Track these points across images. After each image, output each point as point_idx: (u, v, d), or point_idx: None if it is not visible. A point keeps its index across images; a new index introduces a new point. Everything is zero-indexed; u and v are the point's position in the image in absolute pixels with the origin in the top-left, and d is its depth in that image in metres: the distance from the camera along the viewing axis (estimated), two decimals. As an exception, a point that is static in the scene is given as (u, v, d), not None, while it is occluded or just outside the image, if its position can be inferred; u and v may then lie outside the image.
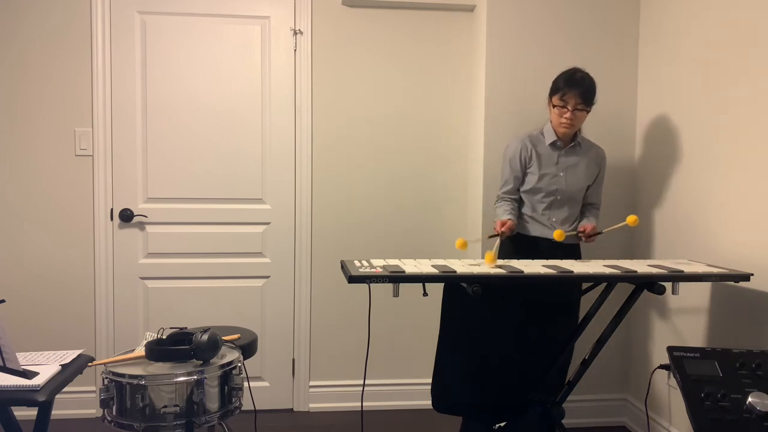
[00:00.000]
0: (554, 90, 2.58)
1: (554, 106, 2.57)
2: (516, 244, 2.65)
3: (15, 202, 3.09)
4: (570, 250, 2.69)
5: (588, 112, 2.58)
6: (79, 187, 3.12)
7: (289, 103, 3.22)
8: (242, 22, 3.17)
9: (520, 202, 2.71)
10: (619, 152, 3.10)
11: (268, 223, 3.26)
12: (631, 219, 2.42)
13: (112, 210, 3.15)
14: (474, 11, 3.22)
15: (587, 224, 2.62)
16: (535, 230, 2.65)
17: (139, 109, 3.14)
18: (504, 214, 2.60)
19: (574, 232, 2.62)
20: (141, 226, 3.18)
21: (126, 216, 3.15)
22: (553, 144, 2.64)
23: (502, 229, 2.47)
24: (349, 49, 3.23)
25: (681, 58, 2.73)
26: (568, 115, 2.53)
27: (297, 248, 3.26)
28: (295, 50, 3.20)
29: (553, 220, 2.64)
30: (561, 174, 2.63)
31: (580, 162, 2.67)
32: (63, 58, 3.07)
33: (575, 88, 2.51)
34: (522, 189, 2.68)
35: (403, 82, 3.26)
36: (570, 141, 2.66)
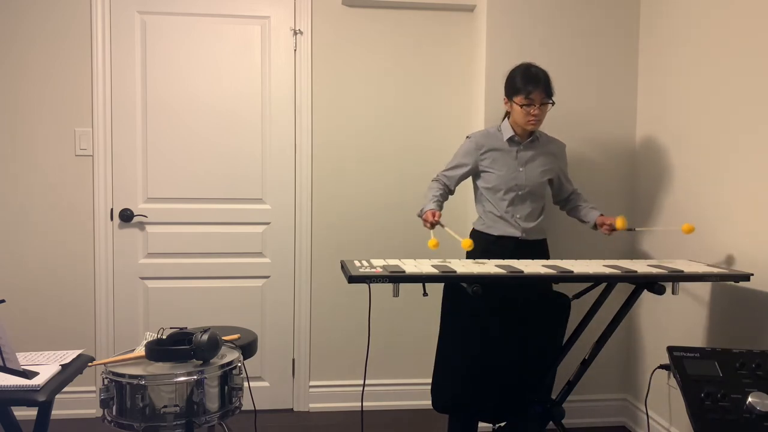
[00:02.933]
0: (515, 90, 2.52)
1: (521, 106, 2.51)
2: (481, 244, 2.60)
3: (15, 202, 3.10)
4: (538, 247, 2.67)
5: (552, 104, 2.55)
6: (79, 187, 3.12)
7: (289, 102, 3.22)
8: (242, 22, 3.17)
9: (482, 202, 2.67)
10: (619, 152, 3.10)
11: (268, 223, 3.26)
12: (687, 227, 2.41)
13: (112, 210, 3.15)
14: (474, 11, 3.22)
15: (607, 218, 2.59)
16: (499, 229, 2.61)
17: (139, 109, 3.14)
18: (431, 202, 2.53)
19: (607, 231, 2.58)
20: (141, 226, 3.18)
21: (126, 216, 3.15)
22: (510, 140, 2.60)
23: (435, 219, 2.42)
24: (349, 49, 3.23)
25: (681, 58, 2.73)
26: (536, 112, 2.50)
27: (297, 248, 3.27)
28: (295, 50, 3.20)
29: (517, 216, 2.60)
30: (521, 169, 2.60)
31: (538, 156, 2.63)
32: (63, 58, 3.07)
33: (538, 84, 2.48)
34: (483, 186, 2.65)
35: (403, 82, 3.26)
36: (528, 136, 2.62)
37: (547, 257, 2.69)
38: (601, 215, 2.63)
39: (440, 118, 3.28)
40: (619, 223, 2.51)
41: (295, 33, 3.19)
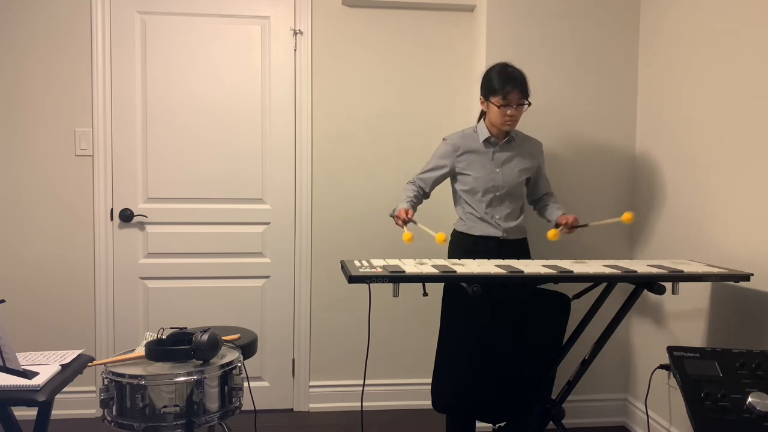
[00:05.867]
0: (492, 90, 2.51)
1: (498, 106, 2.50)
2: (463, 245, 2.62)
3: (15, 202, 3.09)
4: (519, 246, 2.66)
5: (529, 105, 2.54)
6: (79, 187, 3.12)
7: (289, 103, 3.22)
8: (242, 22, 3.17)
9: (461, 204, 2.67)
10: (619, 153, 3.10)
11: (268, 223, 3.26)
12: (626, 216, 2.40)
13: (112, 210, 3.15)
14: (474, 11, 3.22)
15: (568, 216, 2.57)
16: (479, 230, 2.61)
17: (139, 109, 3.14)
18: (405, 202, 2.55)
19: (566, 231, 2.55)
20: (141, 226, 3.18)
21: (126, 216, 3.15)
22: (487, 141, 2.60)
23: (407, 217, 2.44)
24: (349, 49, 3.23)
25: (681, 58, 2.73)
26: (511, 112, 2.49)
27: (297, 248, 3.27)
28: (295, 50, 3.20)
29: (497, 217, 2.60)
30: (498, 170, 2.60)
31: (515, 156, 2.63)
32: (63, 58, 3.07)
33: (515, 85, 2.47)
34: (461, 189, 2.65)
35: (403, 82, 3.26)
36: (504, 136, 2.61)
37: (528, 256, 2.69)
38: (564, 214, 2.61)
39: (440, 118, 3.27)
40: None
41: (295, 33, 3.19)
